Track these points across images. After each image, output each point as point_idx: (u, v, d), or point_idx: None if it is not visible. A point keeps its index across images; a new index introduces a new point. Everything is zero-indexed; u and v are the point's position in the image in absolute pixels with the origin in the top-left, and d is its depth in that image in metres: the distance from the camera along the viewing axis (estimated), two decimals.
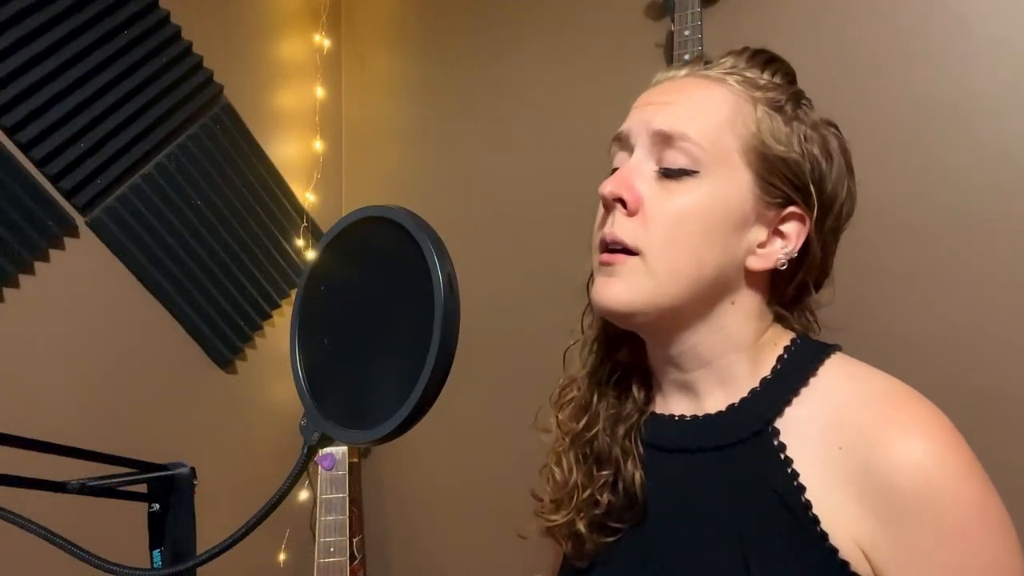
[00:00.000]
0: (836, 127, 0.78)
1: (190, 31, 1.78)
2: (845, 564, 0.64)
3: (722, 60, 0.79)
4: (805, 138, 0.74)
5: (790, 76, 0.79)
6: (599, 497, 0.78)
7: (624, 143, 0.77)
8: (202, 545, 0.60)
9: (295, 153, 2.11)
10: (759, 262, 0.74)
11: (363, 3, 2.27)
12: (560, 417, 0.86)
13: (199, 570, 0.58)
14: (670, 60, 1.57)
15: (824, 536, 0.65)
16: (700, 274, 0.72)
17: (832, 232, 0.77)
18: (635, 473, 0.77)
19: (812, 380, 0.72)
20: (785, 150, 0.73)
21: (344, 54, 2.28)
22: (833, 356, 0.74)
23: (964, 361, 1.34)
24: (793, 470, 0.68)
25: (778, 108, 0.74)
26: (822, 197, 0.74)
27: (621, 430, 0.79)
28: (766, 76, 0.77)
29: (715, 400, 0.76)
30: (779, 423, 0.71)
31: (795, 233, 0.74)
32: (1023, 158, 1.32)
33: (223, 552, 0.54)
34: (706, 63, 0.79)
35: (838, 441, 0.67)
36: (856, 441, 0.66)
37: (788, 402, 0.71)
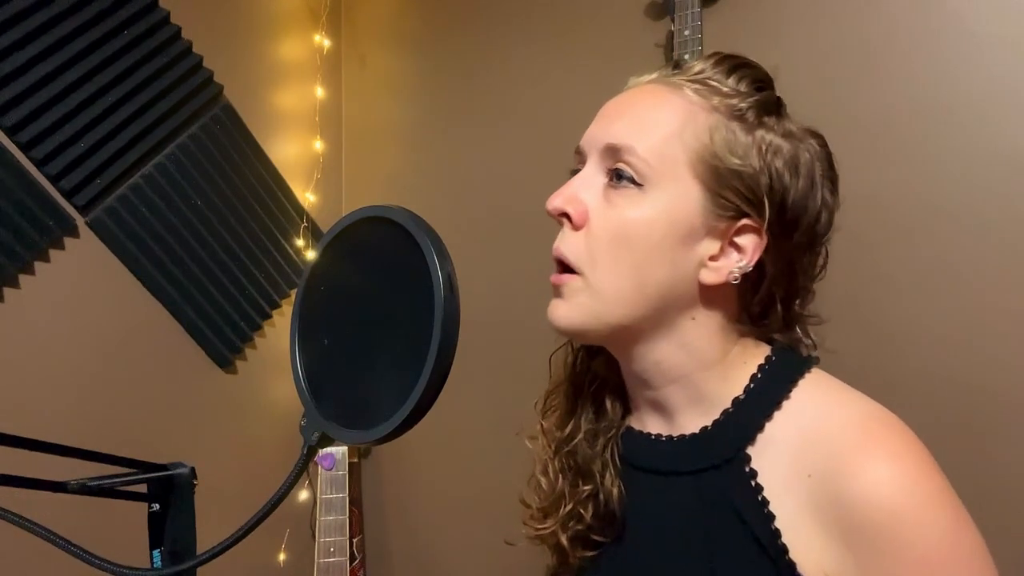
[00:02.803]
0: (817, 136, 0.75)
1: (190, 31, 1.78)
2: None
3: (691, 65, 0.76)
4: (767, 149, 0.70)
5: (760, 83, 0.75)
6: (582, 511, 0.78)
7: (581, 156, 0.77)
8: (202, 545, 0.60)
9: (295, 153, 2.11)
10: (711, 276, 0.71)
11: (363, 3, 2.27)
12: (545, 424, 0.85)
13: (199, 570, 0.58)
14: (670, 60, 1.57)
15: (791, 565, 0.64)
16: (644, 292, 0.70)
17: (804, 247, 0.73)
18: (613, 489, 0.76)
19: (785, 403, 0.70)
20: (740, 163, 0.69)
21: (344, 54, 2.28)
22: (808, 375, 0.71)
23: (963, 362, 1.34)
24: (763, 498, 0.67)
25: (738, 116, 0.71)
26: (783, 210, 0.71)
27: (599, 443, 0.79)
28: (731, 83, 0.73)
29: (688, 419, 0.74)
30: (751, 449, 0.69)
31: (751, 246, 0.70)
32: (1022, 157, 1.32)
33: (223, 552, 0.54)
34: (675, 68, 0.78)
35: (808, 468, 0.65)
36: (825, 468, 0.64)
37: (760, 427, 0.69)
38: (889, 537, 0.61)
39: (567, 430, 0.81)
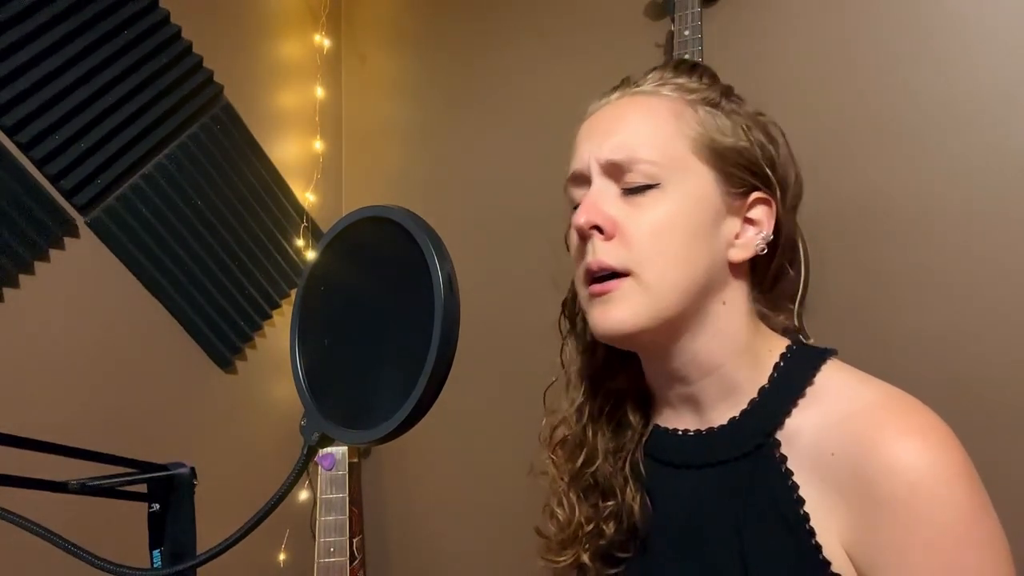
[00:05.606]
0: (763, 113, 0.81)
1: (190, 31, 1.78)
2: None
3: (648, 76, 0.80)
4: (746, 126, 0.77)
5: (715, 75, 0.81)
6: (604, 527, 0.78)
7: (580, 179, 0.78)
8: (202, 545, 0.60)
9: (295, 153, 2.11)
10: (740, 252, 0.75)
11: (363, 3, 2.27)
12: (555, 458, 0.86)
13: (199, 570, 0.58)
14: (670, 60, 1.57)
15: (817, 548, 0.65)
16: (693, 278, 0.72)
17: (792, 211, 0.79)
18: (634, 504, 0.77)
19: (809, 389, 0.71)
20: (734, 141, 0.75)
21: (344, 54, 2.28)
22: (829, 363, 0.74)
23: (966, 361, 1.34)
24: (793, 482, 0.68)
25: (715, 105, 0.77)
26: (777, 178, 0.77)
27: (620, 458, 0.79)
28: (694, 80, 0.79)
29: (719, 412, 0.76)
30: (779, 434, 0.71)
31: (765, 217, 0.76)
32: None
33: (223, 552, 0.54)
34: (635, 83, 0.81)
35: (831, 446, 0.67)
36: (848, 445, 0.65)
37: (788, 413, 0.71)
38: (908, 508, 0.61)
39: (582, 458, 0.81)
